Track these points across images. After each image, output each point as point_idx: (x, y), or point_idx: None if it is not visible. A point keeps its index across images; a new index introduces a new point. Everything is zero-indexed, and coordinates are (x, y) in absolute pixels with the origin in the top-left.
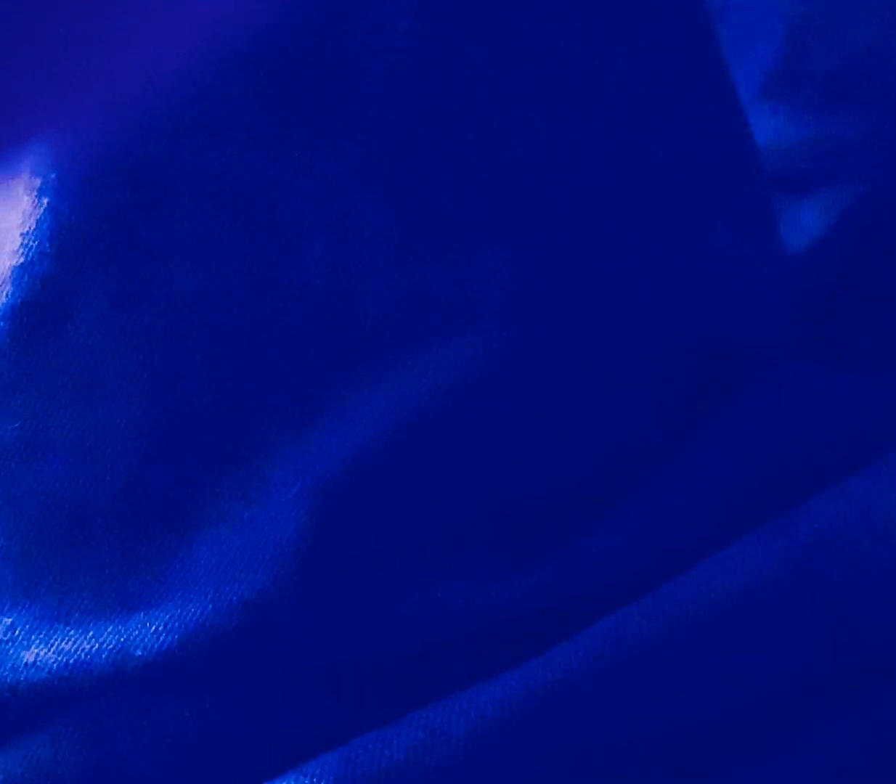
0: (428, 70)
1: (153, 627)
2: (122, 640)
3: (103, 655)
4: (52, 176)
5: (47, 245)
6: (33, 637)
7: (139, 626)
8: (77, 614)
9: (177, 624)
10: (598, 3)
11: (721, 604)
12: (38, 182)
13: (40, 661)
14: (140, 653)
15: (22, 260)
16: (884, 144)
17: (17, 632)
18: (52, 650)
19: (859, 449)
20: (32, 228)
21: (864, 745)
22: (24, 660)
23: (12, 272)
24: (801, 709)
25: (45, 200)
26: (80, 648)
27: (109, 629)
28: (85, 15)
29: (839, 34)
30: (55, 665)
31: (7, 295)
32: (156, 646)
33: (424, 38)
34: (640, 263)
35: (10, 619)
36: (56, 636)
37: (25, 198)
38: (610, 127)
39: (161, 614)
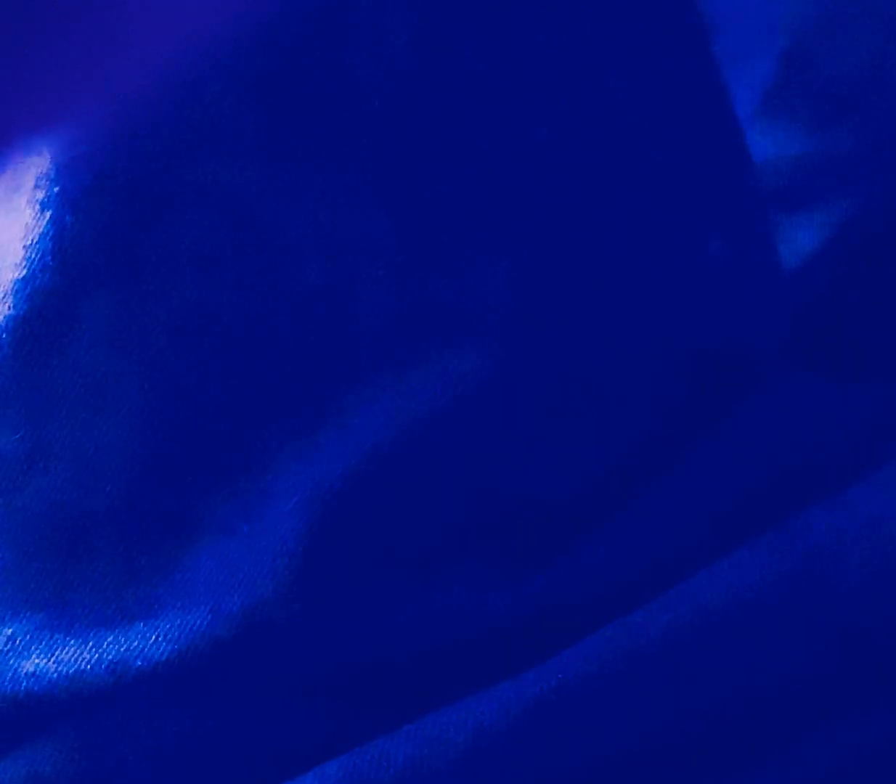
0: (428, 82)
1: (153, 637)
2: (121, 650)
3: (103, 665)
4: (55, 189)
5: (49, 258)
6: (33, 647)
7: (139, 636)
8: (77, 624)
9: (176, 634)
10: (596, 19)
11: (720, 614)
12: (40, 194)
13: (40, 671)
14: (140, 663)
15: (24, 272)
16: (881, 161)
17: (17, 642)
18: (52, 660)
19: (857, 460)
20: (35, 241)
21: (862, 757)
22: (24, 670)
23: (14, 285)
24: (799, 719)
25: (48, 213)
26: (81, 658)
27: (109, 639)
28: (82, 28)
29: (837, 51)
30: (55, 675)
31: (9, 307)
32: (156, 656)
33: (425, 51)
34: (637, 276)
35: (10, 630)
36: (56, 646)
37: (27, 210)
38: (607, 142)
39: (161, 624)
